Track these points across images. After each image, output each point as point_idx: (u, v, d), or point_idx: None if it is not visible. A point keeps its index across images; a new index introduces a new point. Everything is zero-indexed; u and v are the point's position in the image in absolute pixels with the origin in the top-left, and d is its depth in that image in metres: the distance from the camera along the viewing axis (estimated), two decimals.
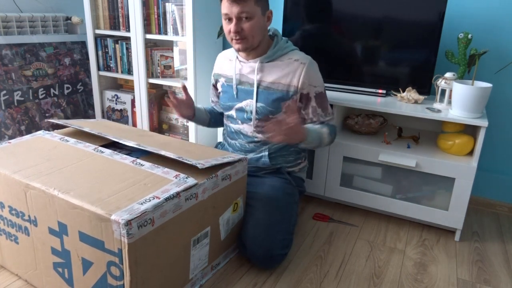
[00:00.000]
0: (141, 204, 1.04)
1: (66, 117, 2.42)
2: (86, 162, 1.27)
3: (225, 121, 1.70)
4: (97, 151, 1.35)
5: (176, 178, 1.19)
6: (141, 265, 1.04)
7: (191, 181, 1.18)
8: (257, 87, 1.53)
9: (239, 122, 1.60)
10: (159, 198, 1.07)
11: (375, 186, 1.79)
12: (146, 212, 1.02)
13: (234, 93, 1.58)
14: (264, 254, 1.39)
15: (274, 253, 1.40)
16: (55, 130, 1.57)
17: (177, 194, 1.11)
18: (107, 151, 1.36)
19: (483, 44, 1.83)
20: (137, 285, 1.05)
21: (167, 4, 2.03)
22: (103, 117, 2.49)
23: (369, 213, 1.89)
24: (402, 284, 1.41)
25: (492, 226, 1.84)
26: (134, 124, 2.37)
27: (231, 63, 1.59)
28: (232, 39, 1.45)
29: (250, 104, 1.55)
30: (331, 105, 1.86)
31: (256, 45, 1.47)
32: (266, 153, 1.57)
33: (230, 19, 1.42)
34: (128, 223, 0.97)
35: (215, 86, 1.72)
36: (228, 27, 1.43)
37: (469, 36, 1.68)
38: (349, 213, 1.89)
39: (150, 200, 1.06)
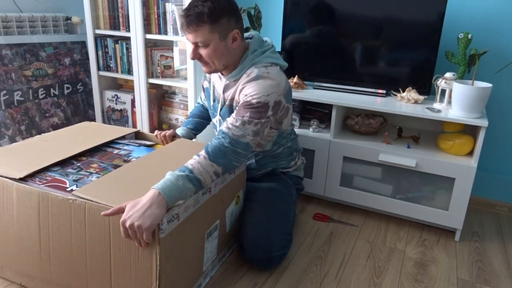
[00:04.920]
0: None
1: (66, 117, 2.42)
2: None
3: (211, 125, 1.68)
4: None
5: None
6: (169, 259, 1.07)
7: None
8: (222, 104, 1.49)
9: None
10: None
11: (375, 186, 1.79)
12: (174, 207, 1.06)
13: (211, 104, 1.57)
14: (263, 257, 1.39)
15: (273, 254, 1.40)
16: None
17: None
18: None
19: (483, 44, 1.83)
20: (166, 279, 1.07)
21: (167, 4, 2.03)
22: (103, 117, 2.48)
23: (369, 213, 1.89)
24: (402, 284, 1.41)
25: (492, 226, 1.84)
26: (134, 124, 2.37)
27: (214, 75, 1.54)
28: None
29: (219, 119, 1.53)
30: (329, 111, 1.87)
31: (222, 68, 1.40)
32: (253, 160, 1.57)
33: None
34: None
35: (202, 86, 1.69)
36: None
37: (469, 36, 1.67)
38: (349, 213, 1.89)
39: None
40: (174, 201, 1.07)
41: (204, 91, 1.70)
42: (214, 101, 1.55)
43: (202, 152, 1.22)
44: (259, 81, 1.32)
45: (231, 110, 1.46)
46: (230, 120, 1.29)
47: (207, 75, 1.59)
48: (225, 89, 1.46)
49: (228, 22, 1.30)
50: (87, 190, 1.12)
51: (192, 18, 1.26)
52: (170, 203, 1.05)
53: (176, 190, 1.07)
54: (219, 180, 1.28)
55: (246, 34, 1.47)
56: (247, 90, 1.32)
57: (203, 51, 1.33)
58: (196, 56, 1.35)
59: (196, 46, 1.33)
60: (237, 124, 1.27)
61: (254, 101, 1.29)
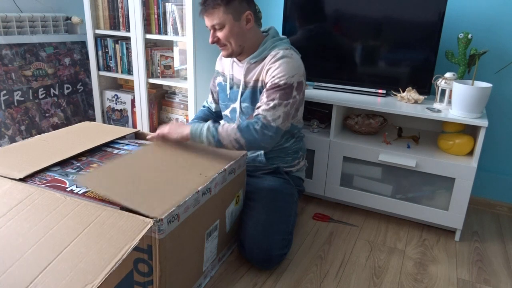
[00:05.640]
0: None
1: (66, 117, 2.42)
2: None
3: (223, 119, 1.70)
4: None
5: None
6: (169, 259, 1.08)
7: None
8: (244, 88, 1.54)
9: (235, 122, 1.61)
10: None
11: (375, 186, 1.79)
12: (174, 208, 1.08)
13: (228, 93, 1.61)
14: (263, 255, 1.40)
15: (272, 253, 1.40)
16: None
17: (197, 189, 1.18)
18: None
19: (483, 44, 1.83)
20: (165, 279, 1.08)
21: (167, 4, 2.03)
22: (103, 117, 2.48)
23: (369, 213, 1.89)
24: (402, 284, 1.41)
25: (492, 226, 1.84)
26: (134, 124, 2.37)
27: (229, 63, 1.61)
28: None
29: (238, 105, 1.58)
30: (329, 111, 1.87)
31: (239, 50, 1.48)
32: (262, 152, 1.57)
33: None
34: (159, 220, 1.01)
35: (214, 83, 1.73)
36: None
37: (469, 36, 1.68)
38: (349, 213, 1.89)
39: None
40: (195, 140, 1.40)
41: (213, 93, 1.75)
42: (231, 88, 1.60)
43: (235, 123, 1.40)
44: (284, 60, 1.42)
45: (254, 92, 1.52)
46: (263, 106, 1.40)
47: (220, 70, 1.66)
48: (247, 72, 1.53)
49: (240, 3, 1.41)
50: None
51: (209, 2, 1.40)
52: (191, 140, 1.40)
53: (198, 136, 1.39)
54: (219, 180, 1.29)
55: (262, 28, 1.57)
56: (274, 72, 1.42)
57: (220, 34, 1.44)
58: (215, 39, 1.45)
59: (214, 30, 1.44)
60: (268, 108, 1.39)
61: (281, 82, 1.40)
